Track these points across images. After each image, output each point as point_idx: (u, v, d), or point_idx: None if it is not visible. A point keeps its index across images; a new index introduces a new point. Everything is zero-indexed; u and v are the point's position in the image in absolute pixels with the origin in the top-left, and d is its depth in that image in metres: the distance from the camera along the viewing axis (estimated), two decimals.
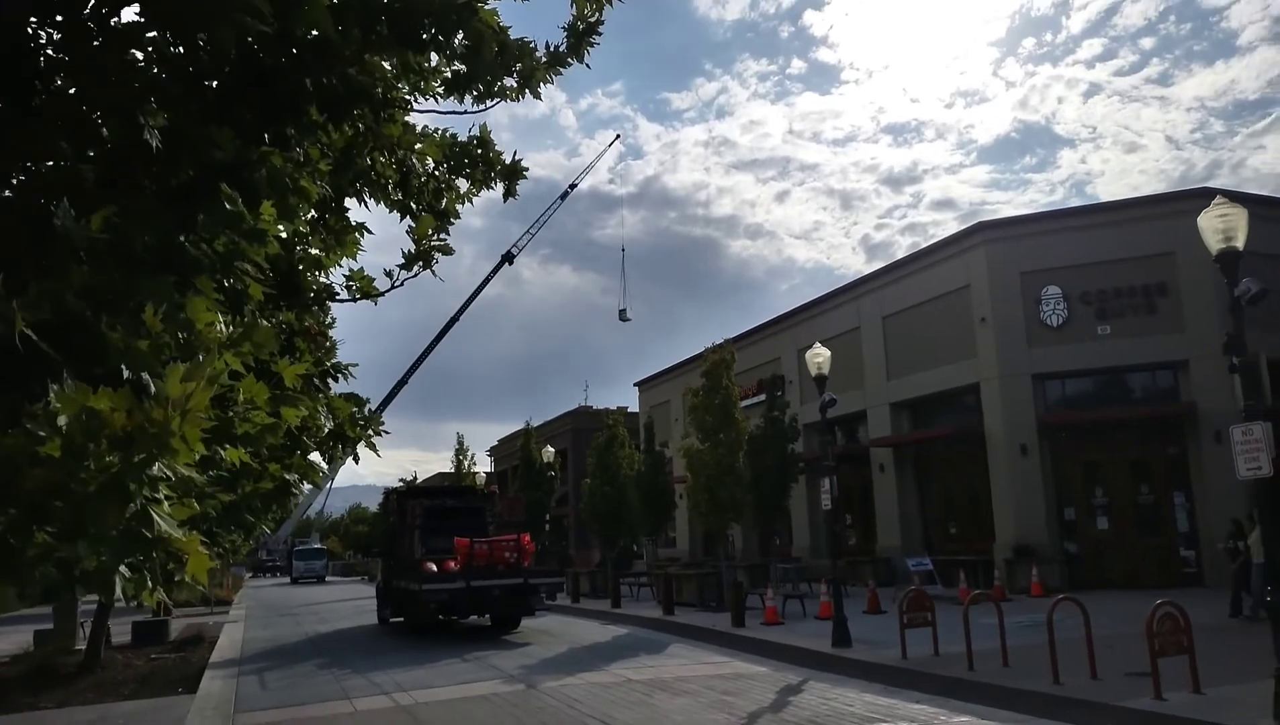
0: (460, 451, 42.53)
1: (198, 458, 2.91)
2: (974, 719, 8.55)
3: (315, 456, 6.07)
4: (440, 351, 61.00)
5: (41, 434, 2.59)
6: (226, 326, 3.78)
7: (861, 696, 9.71)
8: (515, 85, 4.80)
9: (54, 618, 18.30)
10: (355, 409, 5.68)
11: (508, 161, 5.51)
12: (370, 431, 5.82)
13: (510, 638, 16.26)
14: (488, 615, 17.41)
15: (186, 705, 10.31)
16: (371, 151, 5.05)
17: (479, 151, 5.52)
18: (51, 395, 2.62)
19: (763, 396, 25.77)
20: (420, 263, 5.03)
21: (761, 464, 22.25)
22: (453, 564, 15.86)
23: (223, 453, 4.53)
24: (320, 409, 5.48)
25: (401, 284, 5.13)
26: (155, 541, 2.85)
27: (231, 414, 4.54)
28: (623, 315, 60.97)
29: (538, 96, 4.72)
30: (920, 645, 11.20)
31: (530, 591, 15.94)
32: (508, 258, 61.24)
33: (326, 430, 5.77)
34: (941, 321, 23.61)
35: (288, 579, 59.91)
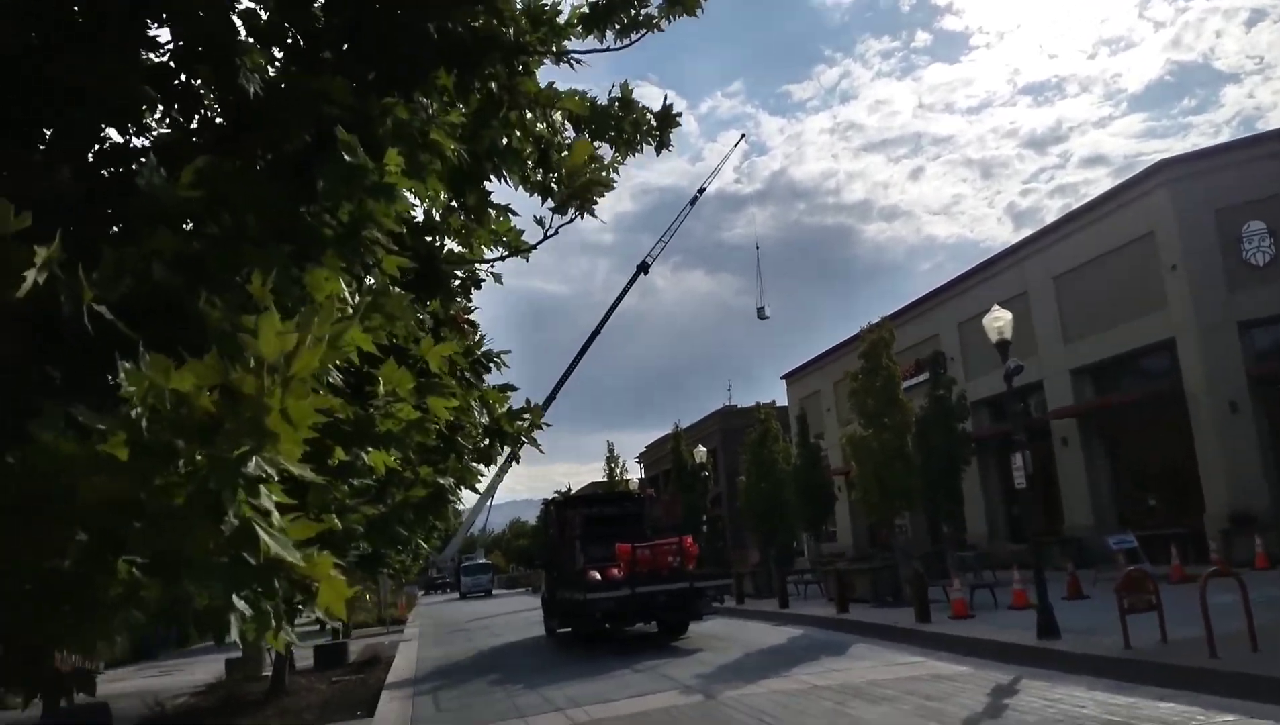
0: (611, 459, 42.50)
1: (305, 447, 2.15)
2: (1241, 718, 7.18)
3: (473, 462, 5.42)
4: (582, 366, 61.78)
5: (101, 428, 1.92)
6: (352, 296, 3.11)
7: (1091, 695, 8.43)
8: (661, 6, 4.08)
9: (241, 645, 18.99)
10: (511, 402, 5.02)
11: (656, 110, 4.79)
12: (532, 425, 5.15)
13: (679, 644, 15.60)
14: (654, 622, 16.83)
15: None
16: (508, 113, 4.38)
17: (621, 114, 4.81)
18: (121, 374, 1.97)
19: (923, 376, 24.17)
20: (576, 204, 4.32)
21: (928, 447, 20.73)
22: (616, 571, 15.38)
23: (365, 456, 3.96)
24: (473, 402, 4.86)
25: (555, 232, 4.42)
26: (268, 568, 2.16)
27: (371, 409, 3.96)
28: (760, 313, 60.14)
29: (692, 13, 3.99)
30: (1141, 632, 9.73)
31: (696, 595, 15.24)
32: (643, 268, 61.46)
33: (482, 427, 5.12)
34: (1122, 275, 21.43)
35: (457, 595, 61.77)
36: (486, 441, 5.24)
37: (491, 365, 5.30)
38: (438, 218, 4.67)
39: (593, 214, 4.42)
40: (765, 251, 62.57)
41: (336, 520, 3.60)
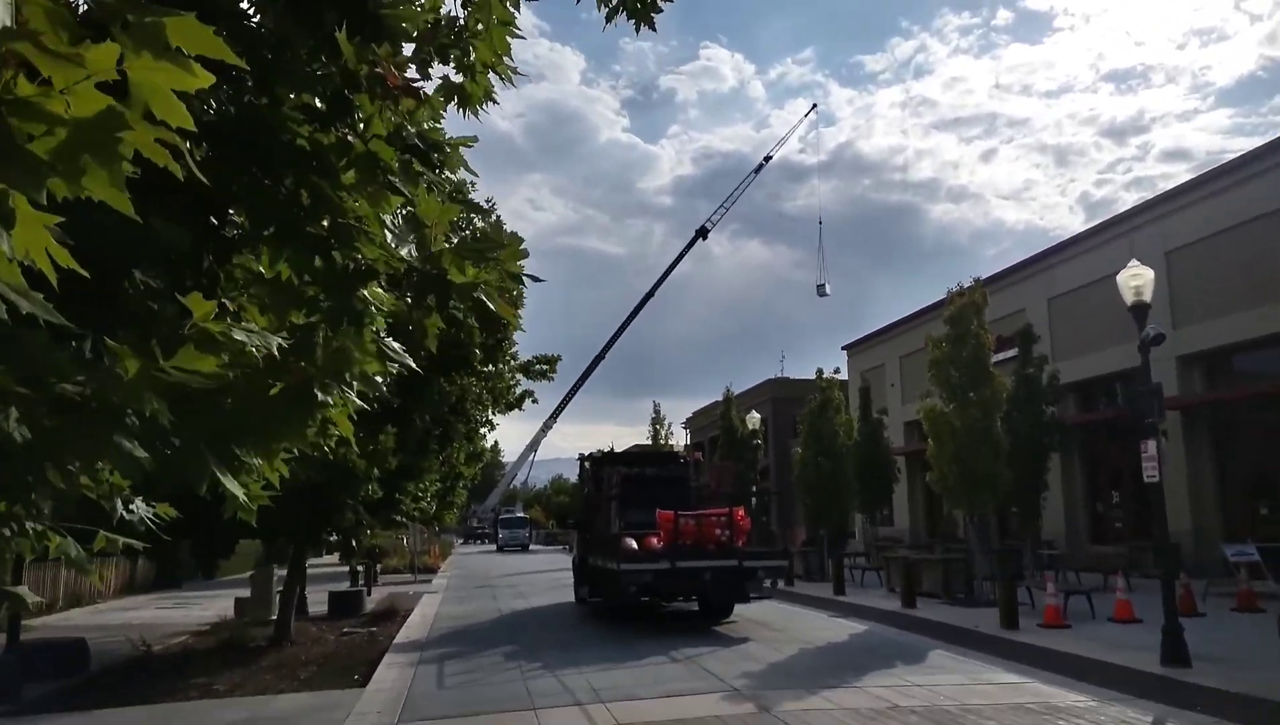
0: (656, 421, 40.72)
1: None
2: None
3: None
4: (633, 330, 60.39)
5: None
6: None
7: None
8: None
9: (250, 585, 17.82)
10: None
11: None
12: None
13: (723, 629, 13.83)
14: (695, 600, 15.08)
15: (349, 706, 8.59)
16: None
17: None
18: None
19: (1010, 352, 21.80)
20: None
21: (1012, 431, 18.52)
22: (655, 541, 13.61)
23: None
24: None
25: None
26: None
27: None
28: (821, 290, 58.37)
29: None
30: None
31: (746, 575, 13.39)
32: (702, 233, 60.07)
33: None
34: (1248, 254, 18.80)
35: (493, 547, 61.16)
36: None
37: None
38: None
39: None
40: (826, 226, 60.43)
41: None
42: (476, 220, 15.98)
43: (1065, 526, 23.93)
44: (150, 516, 3.05)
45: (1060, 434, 20.96)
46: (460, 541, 73.22)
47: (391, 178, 2.02)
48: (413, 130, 2.21)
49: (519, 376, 17.45)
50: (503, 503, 74.17)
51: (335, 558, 20.08)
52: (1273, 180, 18.41)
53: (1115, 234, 22.88)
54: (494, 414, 17.22)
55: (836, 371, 29.61)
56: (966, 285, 17.03)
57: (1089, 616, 13.30)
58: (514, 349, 16.53)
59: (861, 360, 36.81)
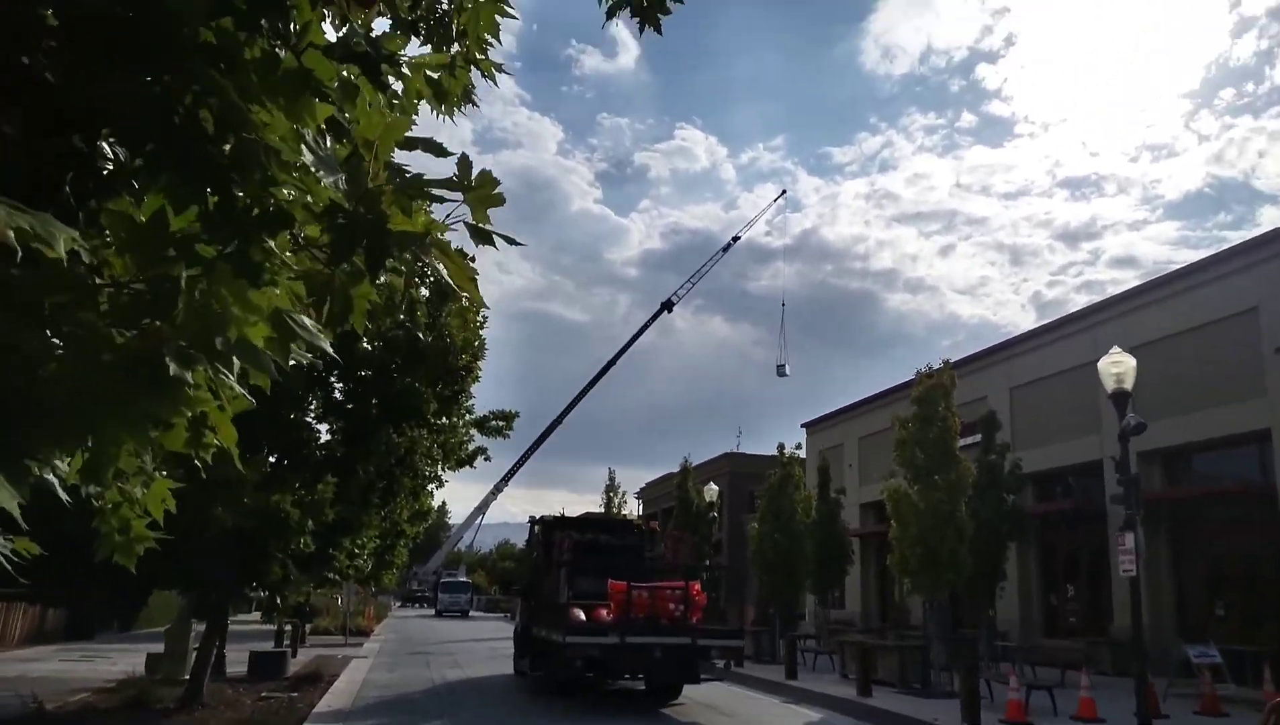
0: (611, 488, 39.86)
1: None
2: None
3: None
4: (591, 397, 60.10)
5: None
6: None
7: None
8: None
9: (165, 640, 16.56)
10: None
11: None
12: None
13: (671, 711, 13.00)
14: (641, 676, 14.24)
15: None
16: None
17: None
18: None
19: (973, 438, 21.62)
20: None
21: (973, 516, 18.18)
22: (604, 613, 12.82)
23: None
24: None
25: None
26: None
27: None
28: (781, 370, 59.07)
29: None
30: None
31: (699, 654, 12.63)
32: (667, 306, 60.67)
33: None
34: (1212, 354, 18.95)
35: (433, 611, 59.02)
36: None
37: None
38: None
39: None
40: (788, 308, 61.24)
41: None
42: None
43: (1019, 617, 23.49)
44: (5, 552, 2.41)
45: (1019, 523, 20.72)
46: (398, 604, 70.67)
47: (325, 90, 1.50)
48: (361, 35, 1.67)
49: (473, 431, 16.69)
50: (445, 565, 71.98)
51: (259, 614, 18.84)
52: (1241, 282, 18.67)
53: (1080, 327, 23.05)
54: (444, 470, 16.42)
55: (798, 447, 29.27)
56: (936, 367, 16.83)
57: (1050, 713, 12.75)
58: (470, 402, 15.84)
59: (821, 438, 36.57)
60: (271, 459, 13.38)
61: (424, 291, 15.67)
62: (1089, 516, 22.14)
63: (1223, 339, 18.75)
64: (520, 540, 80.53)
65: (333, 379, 14.30)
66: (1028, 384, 24.80)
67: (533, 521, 17.10)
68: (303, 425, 13.74)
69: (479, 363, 14.73)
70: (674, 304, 61.37)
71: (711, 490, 26.97)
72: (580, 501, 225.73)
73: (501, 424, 16.88)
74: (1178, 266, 20.66)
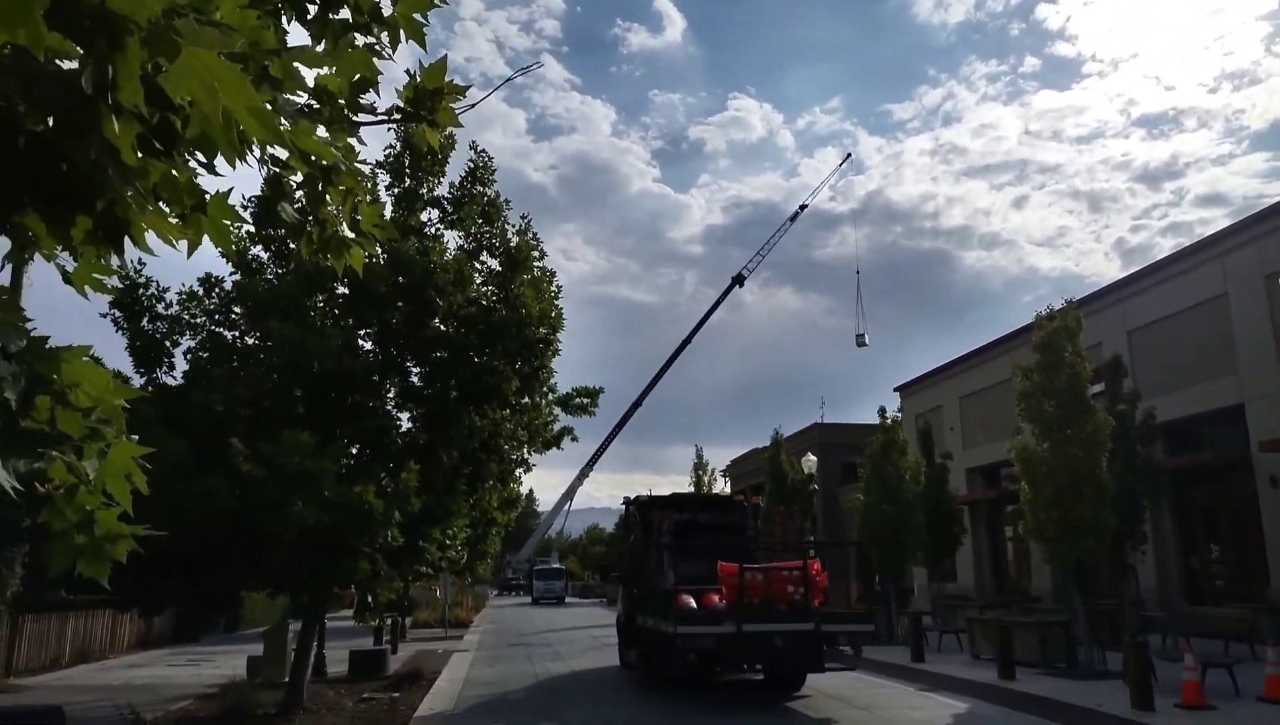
0: (699, 467, 38.70)
1: None
2: None
3: None
4: (665, 378, 59.20)
5: None
6: None
7: None
8: None
9: (264, 641, 16.21)
10: None
11: None
12: None
13: (796, 706, 11.87)
14: (759, 667, 13.15)
15: None
16: None
17: None
18: None
19: (1096, 388, 19.80)
20: None
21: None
22: (716, 599, 11.75)
23: None
24: None
25: None
26: None
27: None
28: (860, 340, 57.23)
29: None
30: None
31: (826, 641, 11.45)
32: (738, 280, 59.28)
33: None
34: None
35: (529, 599, 59.11)
36: None
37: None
38: None
39: None
40: (854, 276, 59.51)
41: None
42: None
43: (1156, 584, 21.58)
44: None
45: (1153, 479, 18.86)
46: (495, 593, 71.24)
47: None
48: None
49: (557, 411, 15.78)
50: (537, 553, 72.23)
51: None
52: None
53: (1206, 257, 20.93)
54: (530, 453, 15.57)
55: (896, 412, 27.67)
56: (1056, 308, 15.22)
57: (1229, 693, 11.18)
58: (553, 379, 14.92)
59: (917, 402, 34.75)
60: (353, 451, 12.70)
61: (493, 262, 14.84)
62: (1231, 468, 20.12)
63: None
64: (608, 524, 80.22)
65: (409, 362, 13.56)
66: (1148, 326, 22.71)
67: (627, 502, 16.12)
68: (381, 412, 13.02)
69: (558, 335, 13.79)
70: (745, 278, 60.09)
71: (810, 461, 25.66)
72: (665, 482, 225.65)
73: (586, 402, 15.91)
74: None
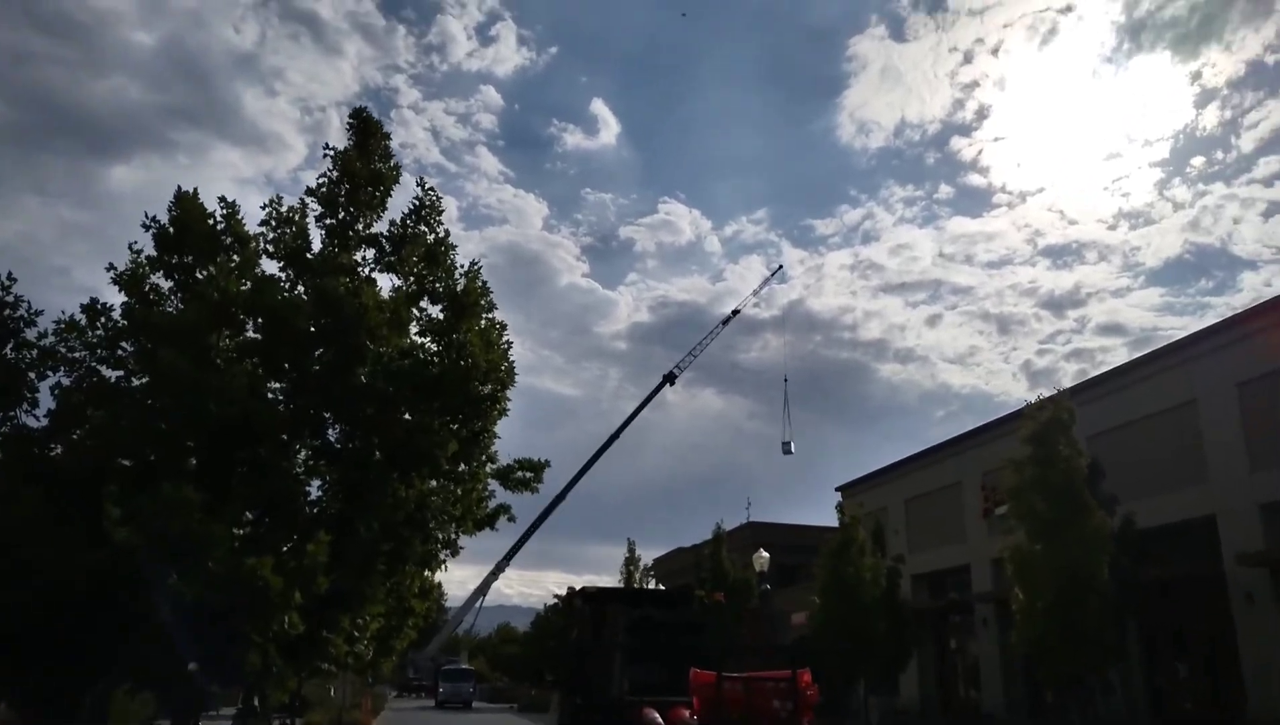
0: (630, 562, 36.45)
1: None
2: None
3: None
4: (586, 476, 57.92)
5: None
6: None
7: None
8: None
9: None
10: None
11: None
12: None
13: None
14: None
15: None
16: None
17: None
18: None
19: None
20: None
21: None
22: (687, 713, 9.78)
23: None
24: None
25: None
26: None
27: None
28: (786, 448, 57.46)
29: None
30: None
31: None
32: (669, 378, 59.56)
33: None
34: None
35: (432, 701, 54.69)
36: None
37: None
38: None
39: None
40: (776, 381, 60.20)
41: None
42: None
43: (1124, 705, 20.19)
44: None
45: (1131, 591, 17.70)
46: (394, 693, 66.01)
47: None
48: None
49: (494, 485, 13.84)
50: (444, 650, 67.61)
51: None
52: None
53: (1173, 363, 20.48)
54: (459, 533, 13.53)
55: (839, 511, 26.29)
56: (1047, 395, 14.15)
57: None
58: (494, 447, 13.02)
59: (859, 503, 33.52)
60: (249, 515, 10.52)
61: (435, 310, 13.05)
62: (1198, 582, 19.15)
63: None
64: (519, 622, 75.77)
65: (326, 416, 11.55)
66: (1111, 430, 22.00)
67: (572, 594, 14.01)
68: (288, 473, 10.91)
69: (507, 392, 12.02)
70: (675, 377, 60.71)
71: (763, 558, 23.90)
72: (580, 581, 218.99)
73: (529, 476, 13.99)
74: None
